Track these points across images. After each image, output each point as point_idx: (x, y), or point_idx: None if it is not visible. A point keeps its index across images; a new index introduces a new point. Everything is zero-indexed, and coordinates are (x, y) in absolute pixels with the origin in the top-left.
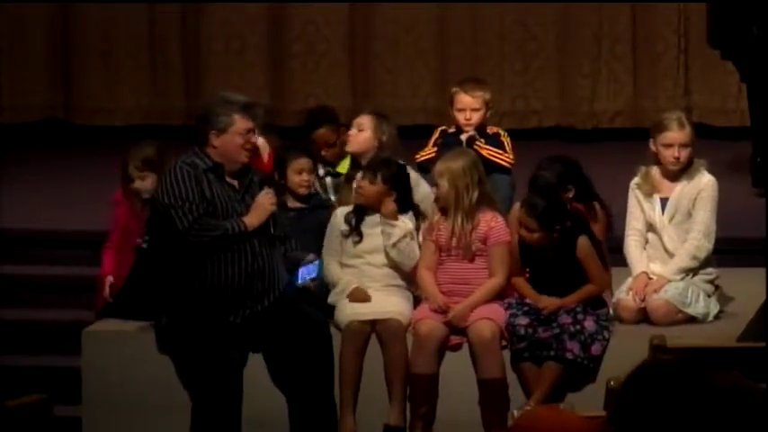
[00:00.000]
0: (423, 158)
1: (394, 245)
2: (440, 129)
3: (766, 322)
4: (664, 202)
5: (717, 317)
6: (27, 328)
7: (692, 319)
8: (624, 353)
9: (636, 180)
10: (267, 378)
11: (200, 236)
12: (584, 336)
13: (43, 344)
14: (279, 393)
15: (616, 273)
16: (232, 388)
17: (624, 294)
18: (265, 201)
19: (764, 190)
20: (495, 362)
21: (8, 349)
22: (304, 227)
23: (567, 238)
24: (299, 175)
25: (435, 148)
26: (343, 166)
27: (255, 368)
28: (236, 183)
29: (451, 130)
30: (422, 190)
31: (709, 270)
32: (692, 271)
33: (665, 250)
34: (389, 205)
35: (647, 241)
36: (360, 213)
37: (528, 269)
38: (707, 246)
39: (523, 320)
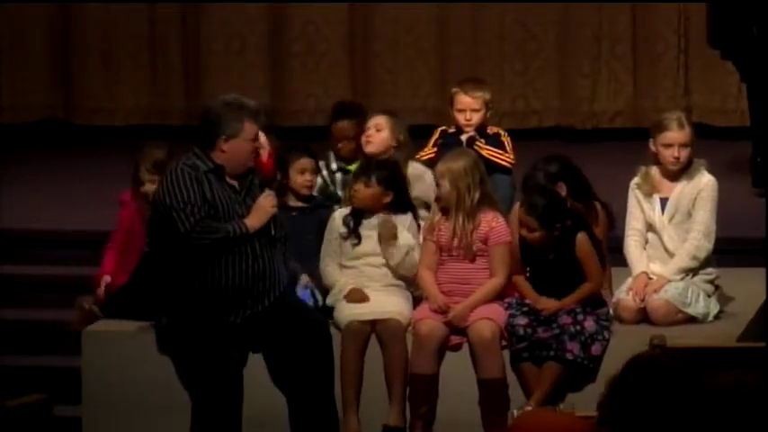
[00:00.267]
0: (423, 158)
1: (397, 264)
2: (440, 129)
3: (766, 322)
4: (664, 202)
5: (717, 317)
6: (27, 328)
7: (692, 319)
8: (624, 353)
9: (636, 180)
10: (267, 378)
11: (201, 238)
12: (584, 336)
13: (43, 344)
14: (279, 393)
15: (616, 273)
16: (232, 388)
17: (624, 294)
18: (266, 203)
19: (764, 190)
20: (495, 362)
21: (8, 349)
22: (305, 226)
23: (567, 236)
24: (302, 175)
25: (435, 149)
26: (355, 168)
27: (255, 368)
28: (236, 184)
29: (452, 130)
30: (428, 180)
31: (710, 270)
32: (691, 271)
33: (665, 250)
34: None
35: (646, 241)
36: (357, 216)
37: (528, 268)
38: (707, 246)
39: (523, 320)
